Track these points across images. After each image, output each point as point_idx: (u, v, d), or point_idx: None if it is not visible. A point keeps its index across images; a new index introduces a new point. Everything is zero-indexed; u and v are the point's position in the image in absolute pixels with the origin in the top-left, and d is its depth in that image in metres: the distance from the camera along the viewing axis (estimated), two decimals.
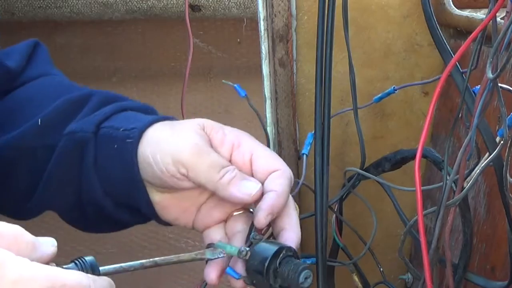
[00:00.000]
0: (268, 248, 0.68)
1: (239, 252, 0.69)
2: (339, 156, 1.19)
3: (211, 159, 0.71)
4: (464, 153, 0.65)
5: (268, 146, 1.11)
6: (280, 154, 1.15)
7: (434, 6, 1.11)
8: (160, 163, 0.71)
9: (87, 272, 0.58)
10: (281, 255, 0.67)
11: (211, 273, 0.70)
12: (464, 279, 0.83)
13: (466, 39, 0.62)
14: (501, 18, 0.67)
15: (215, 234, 0.74)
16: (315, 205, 0.83)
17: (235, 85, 0.92)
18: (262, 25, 1.09)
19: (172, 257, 0.68)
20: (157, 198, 0.75)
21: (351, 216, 1.03)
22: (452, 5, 1.10)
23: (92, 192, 0.76)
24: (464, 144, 0.65)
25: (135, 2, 1.24)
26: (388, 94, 1.02)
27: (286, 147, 1.16)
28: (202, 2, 1.24)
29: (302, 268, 0.66)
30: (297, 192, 1.14)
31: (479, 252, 0.97)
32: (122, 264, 0.62)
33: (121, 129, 0.74)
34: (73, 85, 0.85)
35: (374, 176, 0.92)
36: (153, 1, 1.24)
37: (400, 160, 0.91)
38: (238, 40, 1.33)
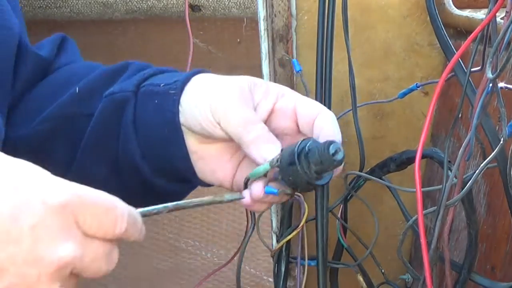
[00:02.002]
0: (293, 144, 0.68)
1: (271, 162, 0.69)
2: None
3: (243, 113, 0.71)
4: (464, 153, 0.66)
5: None
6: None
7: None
8: (201, 109, 0.72)
9: None
10: (308, 143, 0.67)
11: (246, 193, 0.71)
12: (469, 279, 0.83)
13: (466, 39, 0.62)
14: (501, 18, 0.67)
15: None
16: (315, 206, 0.83)
17: (293, 59, 0.93)
18: (262, 25, 1.09)
19: (195, 200, 0.69)
20: (195, 147, 0.76)
21: (353, 215, 1.03)
22: (452, 5, 1.10)
23: (129, 154, 0.76)
24: (463, 144, 0.65)
25: (135, 2, 1.24)
26: (411, 90, 1.02)
27: None
28: (202, 2, 1.24)
29: (330, 142, 0.65)
30: None
31: (479, 252, 0.97)
32: (146, 208, 0.63)
33: (162, 85, 0.76)
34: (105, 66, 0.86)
35: (375, 178, 0.92)
36: (153, 1, 1.24)
37: (405, 160, 0.91)
38: (238, 40, 1.33)
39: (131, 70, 0.81)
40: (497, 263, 0.93)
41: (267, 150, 0.70)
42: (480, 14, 1.05)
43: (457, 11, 1.09)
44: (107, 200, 0.56)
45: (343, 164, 0.67)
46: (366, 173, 0.96)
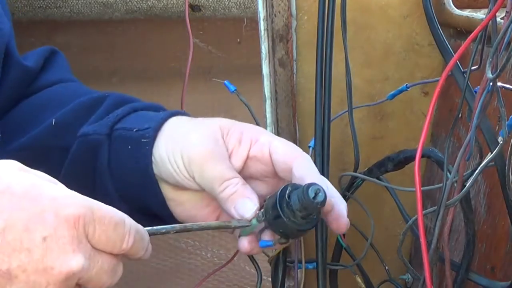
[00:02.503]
0: (274, 195, 0.68)
1: (258, 218, 0.69)
2: (338, 156, 1.19)
3: (217, 170, 0.71)
4: (464, 153, 0.65)
5: None
6: None
7: (434, 6, 1.11)
8: (174, 163, 0.72)
9: None
10: (287, 191, 0.67)
11: (244, 243, 0.71)
12: (467, 279, 0.83)
13: (466, 39, 0.62)
14: (501, 18, 0.67)
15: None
16: None
17: (225, 81, 0.92)
18: (262, 25, 1.08)
19: (202, 223, 0.70)
20: (172, 194, 0.75)
21: (351, 216, 1.03)
22: (452, 5, 1.10)
23: (106, 196, 0.76)
24: (464, 144, 0.65)
25: (135, 2, 1.24)
26: (401, 91, 1.02)
27: None
28: (202, 2, 1.24)
29: (308, 185, 0.65)
30: None
31: (479, 252, 0.97)
32: (154, 227, 0.64)
33: (135, 130, 0.75)
34: (89, 91, 0.85)
35: (371, 178, 0.92)
36: (153, 1, 1.24)
37: (403, 160, 0.91)
38: (238, 40, 1.33)
39: (107, 105, 0.80)
40: (497, 263, 0.93)
41: (243, 207, 0.70)
42: (480, 14, 1.05)
43: (457, 11, 1.09)
44: (117, 216, 0.58)
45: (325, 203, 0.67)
46: (363, 173, 0.96)
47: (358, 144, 0.97)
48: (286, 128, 1.17)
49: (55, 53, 0.89)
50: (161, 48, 1.35)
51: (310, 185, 0.65)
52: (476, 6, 1.12)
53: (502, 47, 0.59)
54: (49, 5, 1.24)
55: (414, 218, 0.77)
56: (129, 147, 0.75)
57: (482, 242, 0.96)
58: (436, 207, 0.69)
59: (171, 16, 1.26)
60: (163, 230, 0.65)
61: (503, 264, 0.92)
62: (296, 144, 1.18)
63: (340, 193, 0.97)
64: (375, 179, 0.91)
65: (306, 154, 0.73)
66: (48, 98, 0.84)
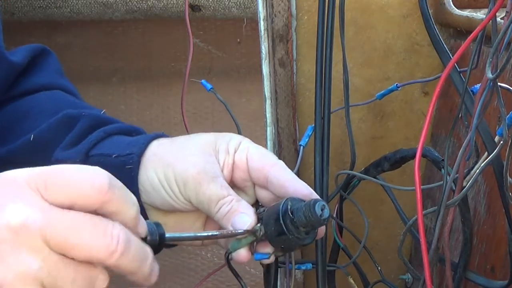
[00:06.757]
0: (275, 210, 0.68)
1: (254, 233, 0.69)
2: (338, 156, 1.19)
3: (211, 191, 0.71)
4: (464, 153, 0.65)
5: (267, 145, 1.11)
6: (280, 154, 1.15)
7: (434, 6, 1.11)
8: (169, 190, 0.72)
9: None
10: (288, 206, 0.67)
11: (243, 253, 0.71)
12: (465, 278, 0.83)
13: (466, 39, 0.62)
14: (501, 18, 0.67)
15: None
16: None
17: (202, 80, 0.92)
18: (262, 25, 1.08)
19: (214, 232, 0.71)
20: (161, 219, 0.73)
21: (351, 215, 1.03)
22: (452, 5, 1.10)
23: None
24: (464, 144, 0.65)
25: (135, 2, 1.24)
26: (391, 91, 1.01)
27: (286, 147, 1.16)
28: (202, 2, 1.24)
29: (314, 202, 0.66)
30: None
31: (479, 252, 0.97)
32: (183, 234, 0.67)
33: (114, 156, 0.74)
34: (70, 102, 0.84)
35: (369, 177, 0.92)
36: (153, 1, 1.24)
37: (399, 159, 0.91)
38: (238, 40, 1.33)
39: (81, 127, 0.78)
40: (497, 263, 0.93)
41: (239, 222, 0.70)
42: (480, 14, 1.05)
43: (457, 11, 1.09)
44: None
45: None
46: (360, 172, 0.96)
47: (354, 142, 0.97)
48: (286, 128, 1.17)
49: (46, 54, 0.88)
50: (161, 48, 1.35)
51: (315, 201, 0.66)
52: (476, 6, 1.12)
53: (502, 47, 0.59)
54: (49, 5, 1.24)
55: (414, 218, 0.77)
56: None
57: (482, 242, 0.96)
58: (436, 207, 0.69)
59: (171, 16, 1.26)
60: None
61: (503, 264, 0.92)
62: (296, 144, 1.18)
63: (336, 192, 0.97)
64: (371, 178, 0.91)
65: (281, 161, 0.73)
66: (28, 108, 0.82)
